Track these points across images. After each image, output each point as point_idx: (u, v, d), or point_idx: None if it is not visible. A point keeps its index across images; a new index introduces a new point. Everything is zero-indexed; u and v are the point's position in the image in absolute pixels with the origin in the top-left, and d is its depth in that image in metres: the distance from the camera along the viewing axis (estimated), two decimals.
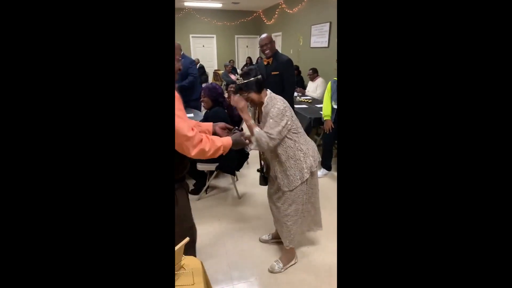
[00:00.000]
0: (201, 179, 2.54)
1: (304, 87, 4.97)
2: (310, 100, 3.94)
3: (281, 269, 1.69)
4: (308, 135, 3.09)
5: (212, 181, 2.73)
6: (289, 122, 1.42)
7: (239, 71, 7.63)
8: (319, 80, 4.38)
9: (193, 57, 8.70)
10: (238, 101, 1.42)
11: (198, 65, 7.74)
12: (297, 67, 5.14)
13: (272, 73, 2.32)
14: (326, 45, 5.29)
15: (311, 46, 5.94)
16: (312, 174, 1.55)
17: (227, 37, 9.38)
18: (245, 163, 3.07)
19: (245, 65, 8.25)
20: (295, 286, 1.59)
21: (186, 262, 0.96)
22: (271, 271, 1.69)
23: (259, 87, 1.42)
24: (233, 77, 6.22)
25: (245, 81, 1.41)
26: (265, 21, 8.76)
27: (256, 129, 1.40)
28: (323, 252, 1.85)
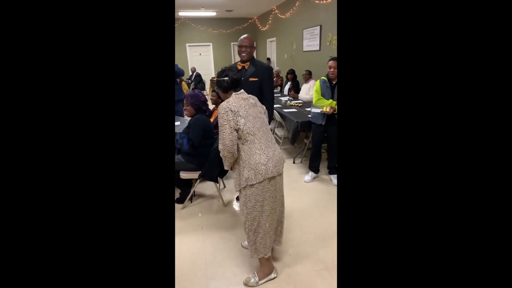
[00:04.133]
0: (186, 187, 2.51)
1: (299, 91, 4.95)
2: (301, 104, 3.91)
3: (256, 283, 1.63)
4: (295, 139, 3.11)
5: (199, 189, 2.70)
6: (230, 124, 1.40)
7: None
8: (312, 82, 4.36)
9: (190, 65, 8.78)
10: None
11: (194, 73, 7.80)
12: (292, 71, 5.11)
13: (250, 79, 2.23)
14: (318, 48, 5.28)
15: (304, 50, 5.94)
16: (251, 187, 1.46)
17: (223, 44, 9.46)
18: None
19: None
20: None
21: None
22: (246, 284, 1.63)
23: (224, 89, 1.49)
24: None
25: (217, 78, 1.51)
26: (260, 27, 8.81)
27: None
28: (307, 262, 1.80)
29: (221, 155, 1.47)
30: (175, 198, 2.55)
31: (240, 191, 1.53)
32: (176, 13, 7.88)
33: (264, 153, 1.46)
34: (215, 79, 1.54)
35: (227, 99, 1.48)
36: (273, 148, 1.53)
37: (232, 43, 9.49)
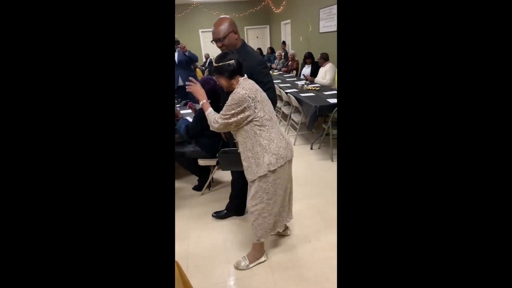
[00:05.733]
0: (204, 174, 2.53)
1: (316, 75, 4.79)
2: (318, 88, 3.79)
3: (247, 266, 1.64)
4: (313, 124, 3.03)
5: (216, 176, 2.71)
6: (246, 113, 1.34)
7: None
8: (328, 65, 4.20)
9: (204, 52, 8.70)
10: (194, 89, 1.52)
11: (208, 59, 7.73)
12: (310, 55, 4.90)
13: None
14: (336, 29, 5.07)
15: (320, 31, 5.71)
16: (274, 172, 1.43)
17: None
18: None
19: None
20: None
21: None
22: (236, 267, 1.65)
23: (230, 74, 1.35)
24: None
25: (217, 64, 1.36)
26: (274, 9, 8.54)
27: (208, 110, 1.48)
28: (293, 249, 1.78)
29: (209, 121, 1.45)
30: (194, 185, 2.58)
31: (255, 179, 1.45)
32: None
33: (283, 137, 1.46)
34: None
35: (241, 84, 1.36)
36: (283, 131, 1.53)
37: (245, 27, 9.29)
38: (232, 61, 1.34)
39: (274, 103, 1.59)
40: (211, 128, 1.47)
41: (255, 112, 1.35)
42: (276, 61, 6.70)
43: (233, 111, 1.34)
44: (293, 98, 3.42)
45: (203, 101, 1.51)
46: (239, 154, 1.54)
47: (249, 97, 1.32)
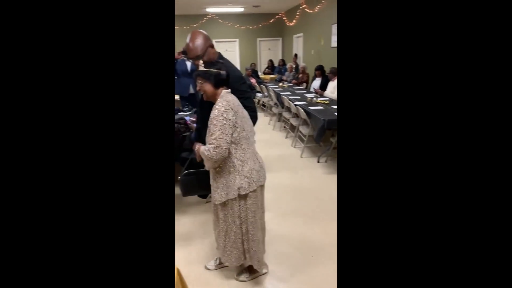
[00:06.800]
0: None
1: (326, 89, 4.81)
2: (327, 102, 3.81)
3: (247, 278, 1.61)
4: (321, 137, 3.03)
5: None
6: (227, 125, 1.24)
7: (260, 74, 7.64)
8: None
9: None
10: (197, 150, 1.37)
11: None
12: (320, 67, 4.95)
13: None
14: None
15: (332, 45, 5.77)
16: (245, 197, 1.34)
17: (250, 40, 9.45)
18: None
19: (266, 68, 8.23)
20: None
21: None
22: (237, 278, 1.62)
23: (217, 83, 1.30)
24: (253, 80, 6.22)
25: (207, 69, 1.30)
26: (287, 22, 8.69)
27: (201, 148, 1.31)
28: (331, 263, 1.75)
29: (208, 157, 1.26)
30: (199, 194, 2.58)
31: (224, 202, 1.35)
32: (204, 9, 7.97)
33: (257, 159, 1.38)
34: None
35: (224, 97, 1.29)
36: (258, 153, 1.42)
37: (258, 39, 9.46)
38: (223, 72, 1.30)
39: (253, 112, 1.49)
40: (207, 167, 1.34)
41: (235, 127, 1.27)
42: (287, 73, 6.77)
43: (220, 126, 1.24)
44: (302, 110, 3.44)
45: (197, 146, 1.39)
46: (205, 173, 1.42)
47: (232, 109, 1.26)
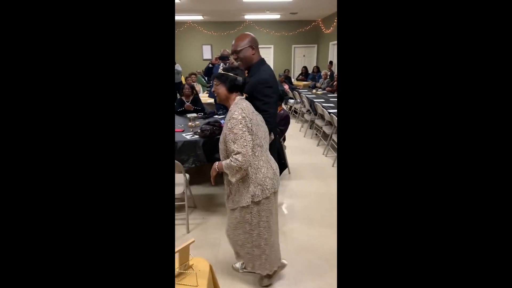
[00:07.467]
0: None
1: None
2: None
3: (268, 281, 1.59)
4: None
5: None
6: (247, 132, 1.25)
7: (293, 80, 7.63)
8: None
9: None
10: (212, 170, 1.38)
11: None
12: None
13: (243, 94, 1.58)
14: None
15: None
16: (258, 203, 1.34)
17: (285, 46, 9.49)
18: (287, 172, 3.03)
19: (300, 74, 8.20)
20: None
21: (195, 263, 0.98)
22: (260, 284, 1.60)
23: (232, 87, 1.31)
24: (286, 86, 6.23)
25: (225, 72, 1.33)
26: (324, 29, 8.61)
27: (222, 163, 1.31)
28: None
29: (237, 168, 1.24)
30: None
31: (236, 208, 1.37)
32: (241, 16, 8.18)
33: (270, 166, 1.37)
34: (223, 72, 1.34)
35: (238, 104, 1.29)
36: (272, 159, 1.41)
37: (293, 46, 9.47)
38: (240, 78, 1.31)
39: (269, 118, 1.47)
40: (234, 180, 1.31)
41: (251, 134, 1.27)
42: (321, 80, 6.69)
43: (241, 133, 1.23)
44: (336, 118, 3.38)
45: (216, 163, 1.38)
46: None
47: (247, 117, 1.26)
